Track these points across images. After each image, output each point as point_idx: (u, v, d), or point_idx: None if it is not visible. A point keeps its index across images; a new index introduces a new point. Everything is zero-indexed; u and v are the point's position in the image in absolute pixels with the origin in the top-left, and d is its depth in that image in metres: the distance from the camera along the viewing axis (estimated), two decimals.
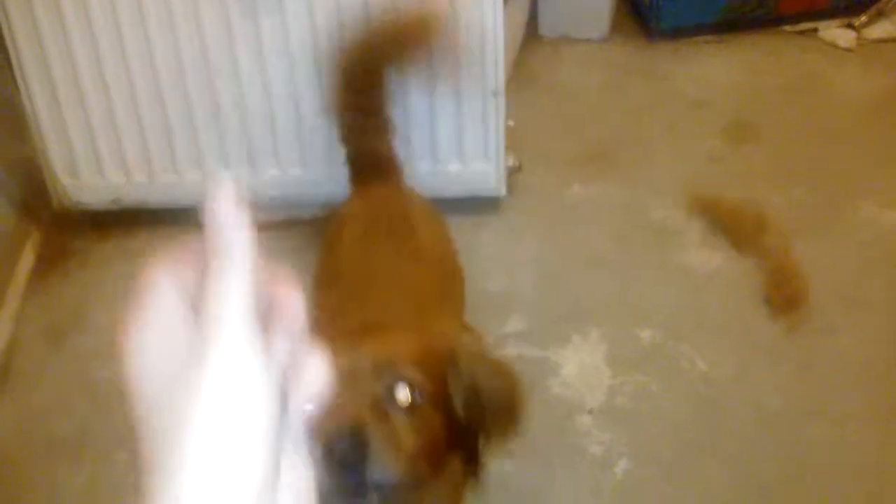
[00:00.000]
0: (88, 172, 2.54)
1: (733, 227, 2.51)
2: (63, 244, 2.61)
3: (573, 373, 2.21)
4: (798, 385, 2.16)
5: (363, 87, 2.00)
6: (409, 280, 1.72)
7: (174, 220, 2.63)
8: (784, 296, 2.33)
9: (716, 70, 3.02)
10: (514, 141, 2.53)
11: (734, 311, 2.33)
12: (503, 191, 2.55)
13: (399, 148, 2.11)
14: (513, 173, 2.57)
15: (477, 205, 2.56)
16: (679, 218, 2.59)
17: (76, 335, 2.41)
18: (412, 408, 1.19)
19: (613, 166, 2.80)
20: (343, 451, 1.08)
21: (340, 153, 2.12)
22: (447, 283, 1.85)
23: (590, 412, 2.13)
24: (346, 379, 1.14)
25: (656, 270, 2.45)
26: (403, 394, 1.18)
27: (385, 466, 1.13)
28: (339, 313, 1.58)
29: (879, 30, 3.08)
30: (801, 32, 3.11)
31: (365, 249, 1.82)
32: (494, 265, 2.49)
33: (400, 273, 1.74)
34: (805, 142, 2.84)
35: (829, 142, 2.82)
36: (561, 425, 2.09)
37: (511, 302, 2.39)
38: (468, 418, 1.31)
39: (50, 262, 2.58)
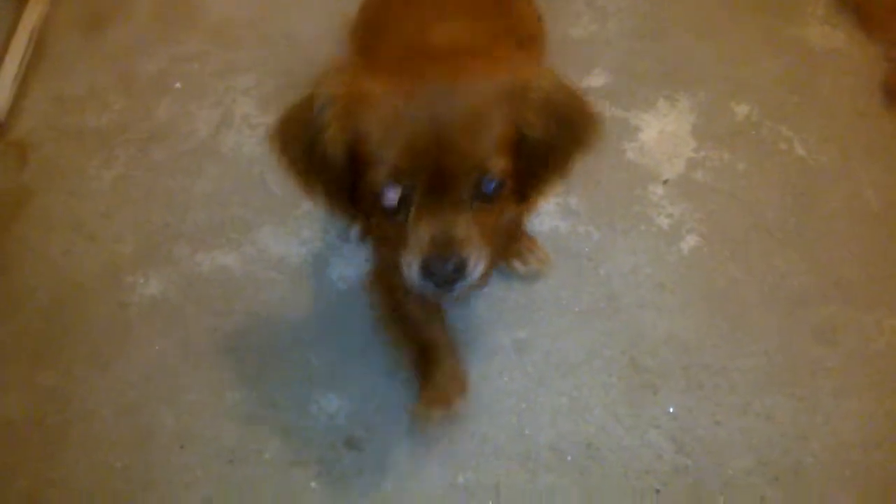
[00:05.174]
0: None
1: (866, 6, 2.17)
2: None
3: (653, 139, 1.98)
4: None
5: None
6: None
7: None
8: None
9: None
10: None
11: (847, 97, 2.05)
12: None
13: None
14: None
15: None
16: None
17: (115, 24, 2.20)
18: (496, 196, 1.18)
19: None
20: (444, 274, 1.15)
21: None
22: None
23: (664, 182, 1.92)
24: (436, 173, 1.11)
25: (767, 42, 2.15)
26: (490, 188, 1.17)
27: (478, 274, 1.18)
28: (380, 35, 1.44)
29: None
30: None
31: None
32: (585, 8, 2.19)
33: None
34: None
35: None
36: (630, 192, 1.90)
37: (597, 53, 2.12)
38: (531, 157, 1.22)
39: None
